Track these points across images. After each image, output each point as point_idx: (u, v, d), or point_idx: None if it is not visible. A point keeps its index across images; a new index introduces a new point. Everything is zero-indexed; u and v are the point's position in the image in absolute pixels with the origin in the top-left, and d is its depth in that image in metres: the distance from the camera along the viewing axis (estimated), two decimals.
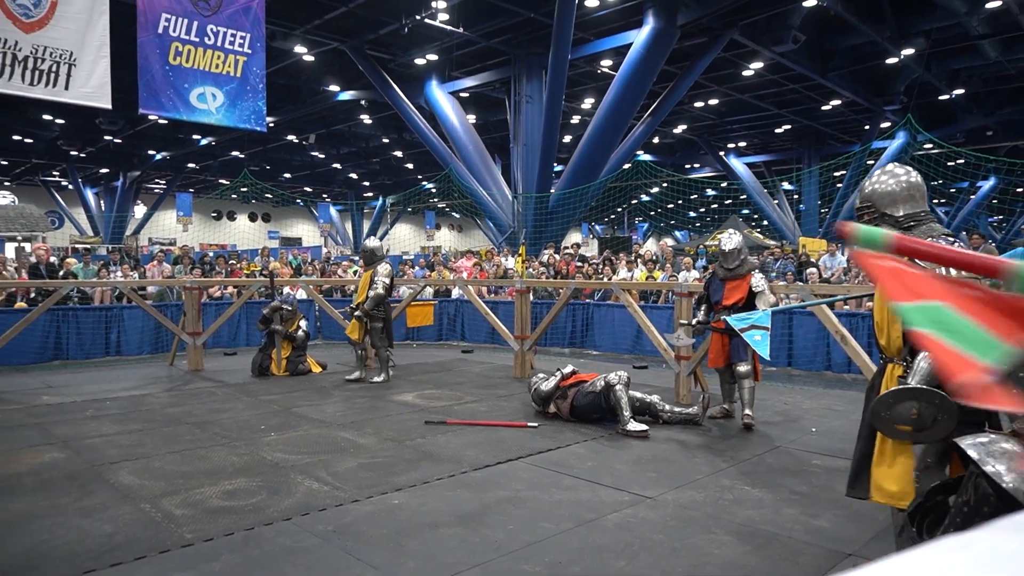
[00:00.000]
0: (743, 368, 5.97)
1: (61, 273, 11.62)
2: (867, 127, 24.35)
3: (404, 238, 42.46)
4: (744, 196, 30.10)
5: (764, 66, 18.79)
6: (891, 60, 18.26)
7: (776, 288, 7.81)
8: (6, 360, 8.90)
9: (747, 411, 5.97)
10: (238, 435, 5.76)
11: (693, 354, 6.99)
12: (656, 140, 28.61)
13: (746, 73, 19.51)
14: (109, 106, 10.69)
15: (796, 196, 29.70)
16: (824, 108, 23.31)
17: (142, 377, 8.78)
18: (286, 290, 11.84)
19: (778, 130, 27.44)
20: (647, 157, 26.82)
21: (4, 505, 4.09)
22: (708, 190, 29.37)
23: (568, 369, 6.34)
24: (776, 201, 29.15)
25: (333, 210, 39.92)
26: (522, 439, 5.62)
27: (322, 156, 32.14)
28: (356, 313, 8.25)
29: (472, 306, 11.36)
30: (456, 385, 8.17)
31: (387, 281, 8.24)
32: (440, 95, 19.48)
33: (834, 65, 18.96)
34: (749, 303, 5.91)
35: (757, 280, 6.00)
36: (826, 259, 12.66)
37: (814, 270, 11.01)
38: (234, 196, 36.02)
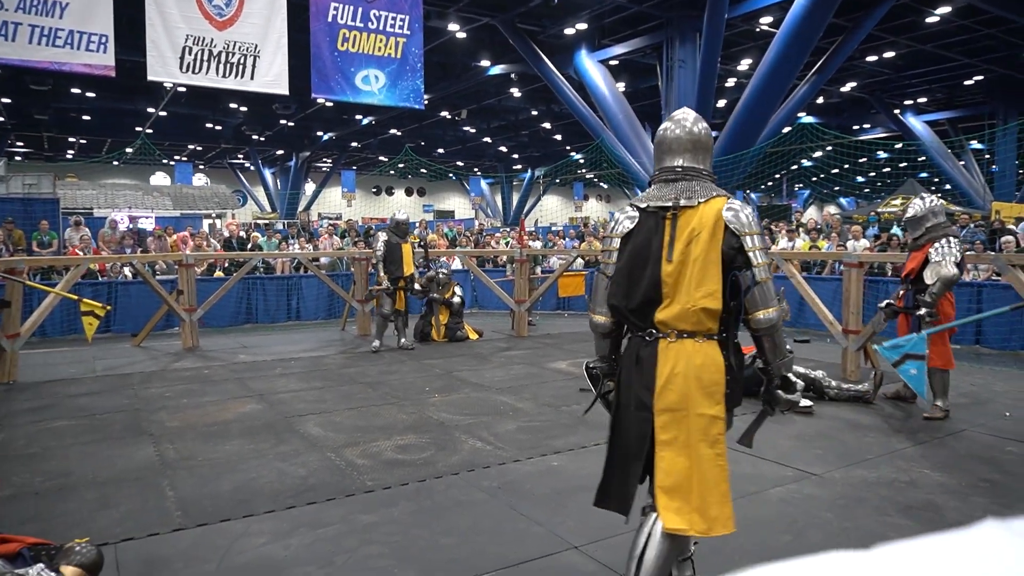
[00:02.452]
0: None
1: (249, 246, 12.95)
2: None
3: (553, 209, 42.80)
4: (923, 158, 27.20)
5: (952, 10, 16.75)
6: None
7: (968, 259, 7.09)
8: (209, 323, 10.10)
9: (937, 402, 5.24)
10: (405, 395, 6.20)
11: (863, 328, 6.55)
12: (820, 100, 26.54)
13: (930, 20, 17.49)
14: (287, 92, 11.68)
15: (987, 156, 26.43)
16: None
17: (319, 340, 9.62)
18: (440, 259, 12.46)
19: (967, 82, 24.42)
20: (809, 119, 25.00)
21: (220, 446, 4.72)
22: (879, 152, 26.89)
23: None
24: (962, 162, 26.12)
25: (484, 183, 41.02)
26: None
27: (473, 131, 33.00)
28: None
29: None
30: None
31: None
32: (589, 64, 19.27)
33: None
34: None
35: (935, 250, 5.15)
36: None
37: (1010, 238, 9.81)
38: (392, 172, 38.04)
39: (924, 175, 30.65)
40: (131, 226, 14.92)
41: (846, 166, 28.43)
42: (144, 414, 5.62)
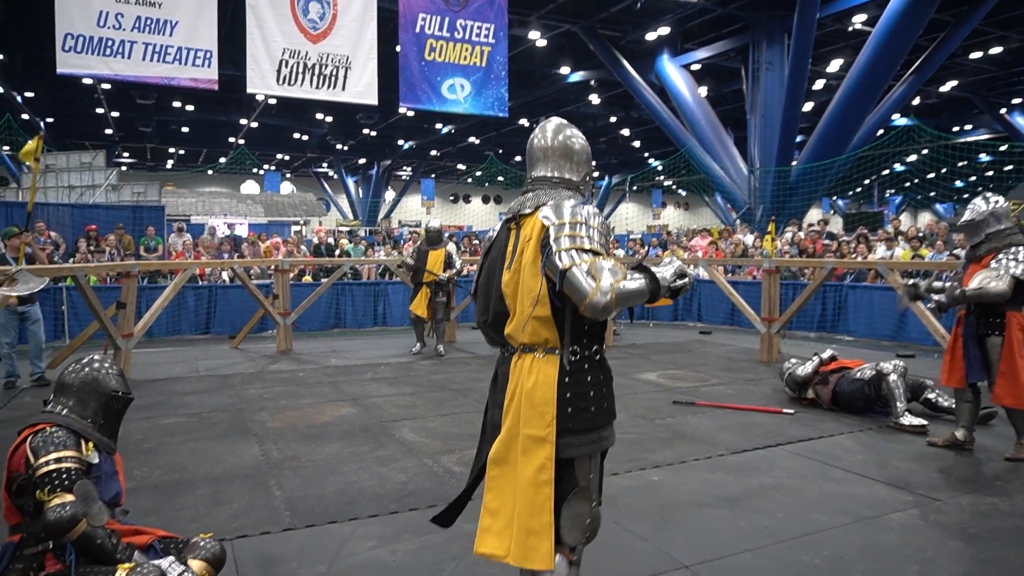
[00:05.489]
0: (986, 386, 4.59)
1: (337, 252, 13.34)
2: None
3: (628, 217, 42.25)
4: None
5: None
6: None
7: None
8: (301, 327, 10.40)
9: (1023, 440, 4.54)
10: None
11: None
12: (916, 101, 25.22)
13: None
14: (376, 102, 11.99)
15: None
16: None
17: (405, 346, 9.75)
18: None
19: None
20: (903, 121, 23.81)
21: (320, 448, 4.84)
22: (982, 155, 25.28)
23: (827, 354, 5.92)
24: None
25: None
26: (779, 425, 5.37)
27: None
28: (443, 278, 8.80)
29: (710, 286, 11.05)
30: (699, 366, 8.02)
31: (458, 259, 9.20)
32: (671, 69, 18.97)
33: None
34: None
35: (997, 261, 4.40)
36: None
37: None
38: (469, 180, 38.53)
39: None
40: (228, 232, 15.64)
41: (943, 170, 26.87)
42: (247, 414, 5.83)
